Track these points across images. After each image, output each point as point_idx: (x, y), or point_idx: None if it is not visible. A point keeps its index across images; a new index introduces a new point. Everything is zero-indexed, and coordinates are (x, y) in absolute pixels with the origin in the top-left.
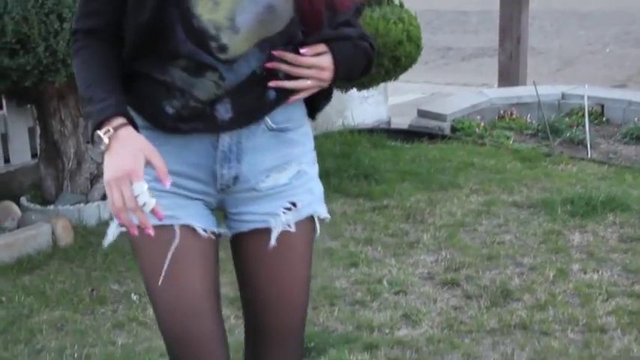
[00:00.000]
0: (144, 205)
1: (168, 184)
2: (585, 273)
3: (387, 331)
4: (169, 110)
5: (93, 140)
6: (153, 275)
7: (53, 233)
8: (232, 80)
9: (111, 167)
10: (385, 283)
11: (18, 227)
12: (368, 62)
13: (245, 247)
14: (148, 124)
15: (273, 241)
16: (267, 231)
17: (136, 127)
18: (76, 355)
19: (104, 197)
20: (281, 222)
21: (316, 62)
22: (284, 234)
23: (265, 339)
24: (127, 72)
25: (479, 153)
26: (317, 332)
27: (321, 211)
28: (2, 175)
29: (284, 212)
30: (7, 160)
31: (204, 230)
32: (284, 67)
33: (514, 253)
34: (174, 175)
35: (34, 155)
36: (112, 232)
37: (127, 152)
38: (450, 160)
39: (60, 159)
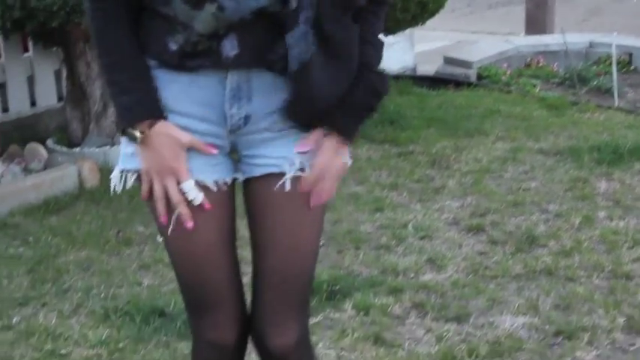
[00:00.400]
0: (193, 200)
1: (215, 152)
2: (611, 220)
3: (411, 275)
4: (173, 46)
5: (124, 133)
6: (166, 229)
7: (79, 175)
8: (233, 12)
9: (150, 160)
10: (410, 228)
11: (44, 169)
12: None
13: (257, 190)
14: (155, 62)
15: (287, 187)
16: (280, 175)
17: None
18: (102, 295)
19: None
20: (295, 167)
21: (323, 174)
22: (297, 177)
23: (271, 283)
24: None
25: (505, 101)
26: (342, 276)
27: None
28: (28, 118)
29: (298, 155)
30: (33, 103)
31: (216, 182)
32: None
33: (540, 199)
34: (184, 117)
35: (60, 98)
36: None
37: (167, 150)
38: (475, 107)
39: (86, 102)
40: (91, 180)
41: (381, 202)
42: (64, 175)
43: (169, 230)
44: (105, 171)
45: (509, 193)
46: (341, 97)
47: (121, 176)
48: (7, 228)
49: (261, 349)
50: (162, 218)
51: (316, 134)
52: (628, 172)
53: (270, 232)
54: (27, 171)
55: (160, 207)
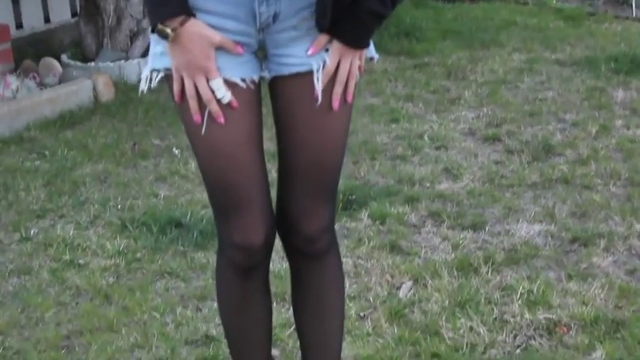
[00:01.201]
0: (222, 98)
1: (242, 51)
2: (628, 129)
3: (427, 184)
4: None
5: (155, 30)
6: (195, 127)
7: (94, 89)
8: None
9: (181, 58)
10: (426, 138)
11: (59, 83)
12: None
13: (286, 89)
14: None
15: (317, 85)
16: (308, 74)
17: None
18: (119, 207)
19: (144, 54)
20: (324, 63)
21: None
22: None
23: (304, 176)
24: None
25: (521, 12)
26: (358, 185)
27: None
28: (43, 33)
29: (326, 54)
30: (47, 19)
31: (243, 80)
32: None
33: (556, 109)
34: (214, 15)
35: (74, 14)
36: (144, 80)
37: (197, 48)
38: (491, 18)
39: (99, 16)
40: (106, 94)
41: (397, 113)
42: (79, 89)
43: (203, 128)
44: (119, 85)
45: (526, 103)
46: (351, 3)
47: (150, 76)
48: (24, 142)
49: (293, 237)
50: (196, 117)
51: (323, 38)
52: None
53: (302, 129)
54: (42, 86)
55: (193, 105)
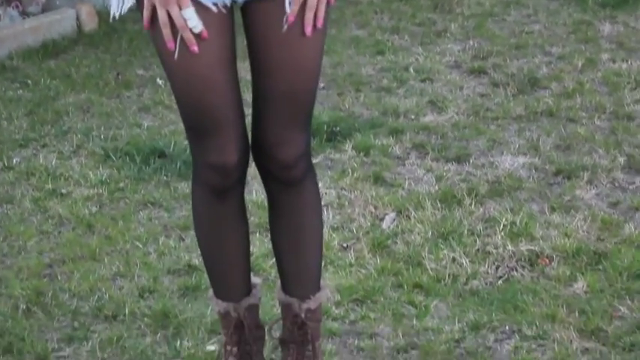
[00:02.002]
0: (194, 27)
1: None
2: (614, 62)
3: (412, 116)
4: None
5: None
6: (168, 52)
7: (77, 18)
8: None
9: None
10: (412, 70)
11: (42, 12)
12: None
13: (257, 14)
14: None
15: (288, 8)
16: None
17: None
18: (102, 137)
19: None
20: None
21: None
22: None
23: (278, 101)
24: None
25: None
26: (343, 117)
27: None
28: None
29: None
30: None
31: (215, 5)
32: None
33: (543, 42)
34: None
35: None
36: (115, 6)
37: None
38: None
39: None
40: (90, 23)
41: (382, 45)
42: (62, 18)
43: (176, 55)
44: (103, 14)
45: (512, 36)
46: None
47: (120, 2)
48: (6, 71)
49: (269, 164)
50: (170, 44)
51: None
52: (632, 15)
53: (276, 53)
54: (25, 14)
55: (166, 32)
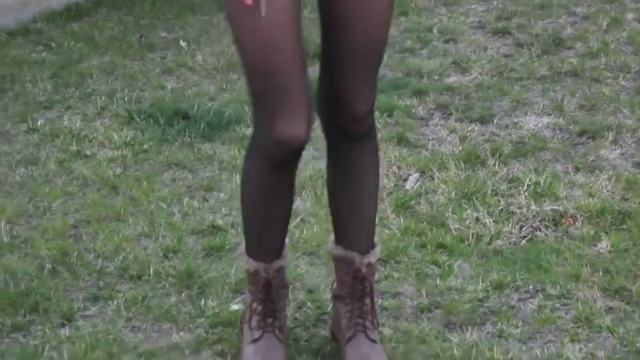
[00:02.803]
0: None
1: None
2: (639, 22)
3: (436, 77)
4: None
5: None
6: (244, 10)
7: None
8: None
9: None
10: (435, 31)
11: None
12: None
13: None
14: None
15: None
16: None
17: None
18: (126, 99)
19: None
20: None
21: None
22: None
23: (350, 58)
24: None
25: None
26: None
27: None
28: None
29: None
30: None
31: None
32: None
33: (567, 2)
34: None
35: None
36: None
37: None
38: None
39: None
40: None
41: (406, 6)
42: None
43: (263, 10)
44: None
45: None
46: None
47: None
48: (30, 34)
49: (340, 118)
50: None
51: None
52: None
53: (350, 5)
54: None
55: None
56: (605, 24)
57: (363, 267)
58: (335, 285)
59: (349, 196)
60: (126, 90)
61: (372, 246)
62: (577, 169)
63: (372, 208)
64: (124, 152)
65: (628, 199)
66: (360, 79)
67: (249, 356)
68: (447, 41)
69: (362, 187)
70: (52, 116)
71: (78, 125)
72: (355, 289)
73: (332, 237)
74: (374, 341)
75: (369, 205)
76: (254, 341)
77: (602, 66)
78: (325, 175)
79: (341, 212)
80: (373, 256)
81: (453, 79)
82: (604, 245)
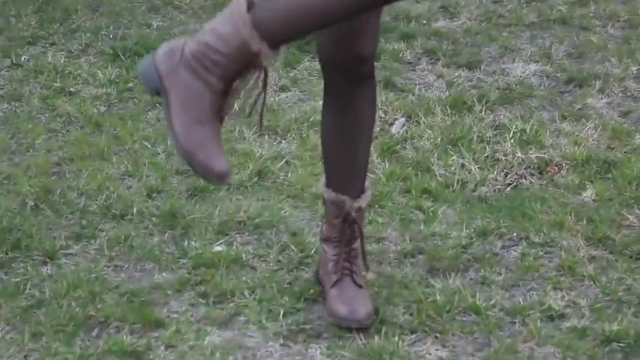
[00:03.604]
0: None
1: None
2: None
3: (424, 22)
4: None
5: None
6: None
7: None
8: None
9: None
10: None
11: None
12: None
13: None
14: None
15: None
16: None
17: None
18: (111, 36)
19: None
20: None
21: None
22: None
23: None
24: None
25: None
26: None
27: None
28: None
29: None
30: None
31: None
32: None
33: None
34: None
35: None
36: None
37: None
38: None
39: None
40: None
41: None
42: None
43: None
44: None
45: None
46: None
47: None
48: None
49: (346, 57)
50: None
51: None
52: None
53: None
54: None
55: None
56: None
57: (354, 211)
58: (323, 228)
59: (346, 140)
60: (111, 27)
61: (363, 190)
62: (563, 117)
63: (367, 152)
64: (109, 90)
65: (613, 148)
66: (367, 18)
67: None
68: None
69: (359, 131)
70: (36, 52)
71: (62, 62)
72: (344, 232)
73: (323, 179)
74: (360, 286)
75: (364, 149)
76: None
77: (591, 14)
78: (321, 119)
79: (336, 156)
80: (364, 201)
81: (441, 23)
82: (588, 194)
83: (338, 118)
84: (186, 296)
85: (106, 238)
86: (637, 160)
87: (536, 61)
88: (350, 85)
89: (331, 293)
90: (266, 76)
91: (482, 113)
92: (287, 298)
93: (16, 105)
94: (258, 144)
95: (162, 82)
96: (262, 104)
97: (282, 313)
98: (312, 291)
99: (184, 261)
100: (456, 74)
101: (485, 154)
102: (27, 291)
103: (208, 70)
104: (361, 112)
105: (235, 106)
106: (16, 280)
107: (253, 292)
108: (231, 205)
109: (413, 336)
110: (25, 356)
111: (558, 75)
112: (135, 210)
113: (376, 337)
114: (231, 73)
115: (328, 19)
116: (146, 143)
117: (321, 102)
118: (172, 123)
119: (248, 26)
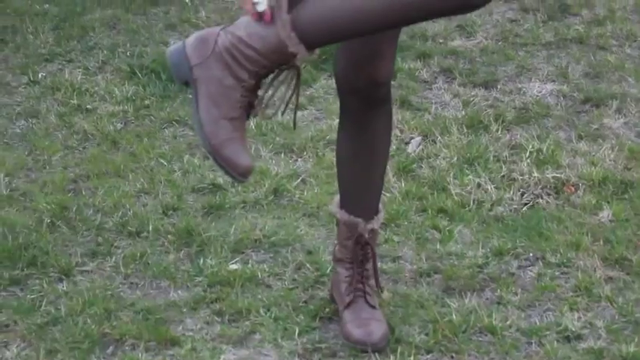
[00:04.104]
0: None
1: None
2: None
3: (440, 41)
4: None
5: None
6: None
7: None
8: None
9: None
10: None
11: None
12: None
13: None
14: None
15: None
16: None
17: None
18: (128, 53)
19: None
20: None
21: None
22: None
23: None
24: None
25: None
26: None
27: None
28: None
29: None
30: None
31: None
32: None
33: None
34: None
35: None
36: None
37: None
38: None
39: None
40: None
41: None
42: None
43: None
44: None
45: None
46: None
47: None
48: None
49: (362, 81)
50: None
51: None
52: None
53: None
54: None
55: None
56: None
57: (366, 233)
58: (336, 249)
59: (360, 162)
60: (128, 44)
61: (377, 212)
62: (580, 137)
63: (382, 176)
64: (125, 107)
65: (630, 168)
66: (385, 42)
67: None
68: None
69: (374, 154)
70: (53, 69)
71: (79, 79)
72: (357, 254)
73: (336, 199)
74: (373, 307)
75: (379, 171)
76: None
77: (608, 33)
78: (336, 140)
79: (350, 178)
80: (377, 223)
81: (457, 42)
82: (605, 214)
83: (353, 142)
84: (201, 314)
85: (122, 255)
86: None
87: (553, 81)
88: (365, 109)
89: (345, 316)
90: (299, 75)
91: (499, 133)
92: (302, 317)
93: (33, 122)
94: (274, 162)
95: (192, 73)
96: (296, 103)
97: (297, 331)
98: (327, 309)
99: (200, 279)
100: (472, 93)
101: (502, 174)
102: (42, 308)
103: (241, 65)
104: (378, 135)
105: (264, 103)
106: (32, 296)
107: (269, 310)
108: (246, 223)
109: (429, 356)
110: None
111: (575, 95)
112: (151, 227)
113: (392, 357)
114: (263, 70)
115: (367, 28)
116: (162, 161)
117: (337, 120)
118: (199, 115)
119: (287, 27)
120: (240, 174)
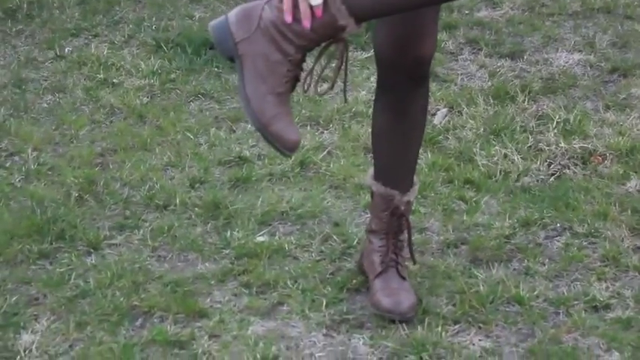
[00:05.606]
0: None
1: None
2: None
3: (466, 11)
4: None
5: None
6: None
7: None
8: None
9: None
10: None
11: None
12: None
13: None
14: None
15: None
16: None
17: None
18: (154, 27)
19: None
20: None
21: None
22: None
23: None
24: None
25: None
26: None
27: None
28: None
29: None
30: None
31: None
32: None
33: None
34: None
35: None
36: None
37: None
38: None
39: None
40: None
41: None
42: None
43: None
44: None
45: None
46: None
47: None
48: None
49: (406, 59)
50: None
51: None
52: None
53: None
54: None
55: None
56: None
57: (402, 205)
58: (371, 220)
59: (398, 137)
60: (154, 18)
61: (412, 184)
62: (607, 107)
63: (418, 147)
64: (152, 81)
65: None
66: (429, 18)
67: None
68: None
69: (413, 128)
70: (79, 44)
71: (105, 53)
72: (392, 225)
73: (370, 171)
74: (404, 278)
75: (416, 146)
76: None
77: (635, 3)
78: (373, 116)
79: (387, 151)
80: (412, 195)
81: (483, 13)
82: (633, 184)
83: (391, 118)
84: (229, 286)
85: (150, 228)
86: None
87: (580, 51)
88: (406, 85)
89: (375, 285)
90: (346, 48)
91: (525, 103)
92: (330, 288)
93: (60, 96)
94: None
95: (236, 48)
96: (344, 78)
97: (324, 303)
98: (354, 281)
99: (227, 251)
100: (498, 64)
101: (528, 144)
102: (71, 281)
103: (288, 39)
104: (417, 112)
105: (309, 77)
106: (61, 270)
107: (296, 282)
108: (273, 196)
109: (456, 326)
110: (70, 345)
111: (602, 64)
112: (178, 200)
113: (419, 328)
114: (311, 44)
115: (414, 1)
116: (189, 134)
117: (363, 92)
118: (246, 91)
119: (337, 0)
120: (288, 149)
